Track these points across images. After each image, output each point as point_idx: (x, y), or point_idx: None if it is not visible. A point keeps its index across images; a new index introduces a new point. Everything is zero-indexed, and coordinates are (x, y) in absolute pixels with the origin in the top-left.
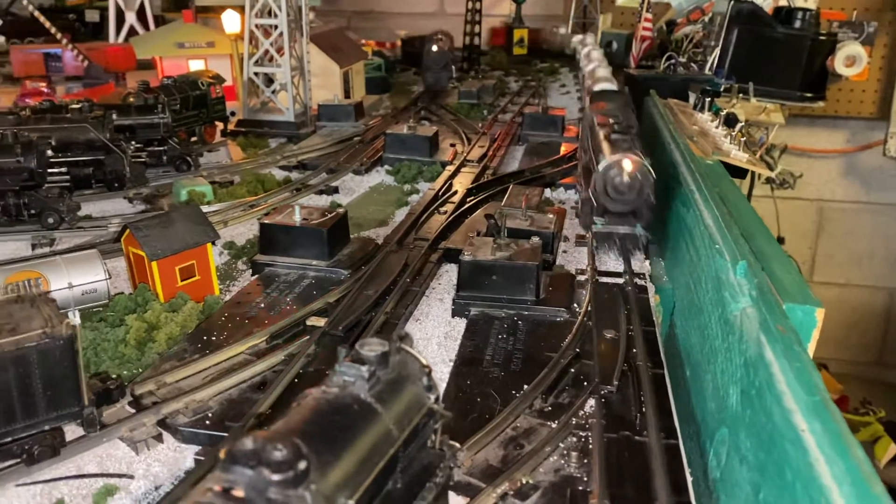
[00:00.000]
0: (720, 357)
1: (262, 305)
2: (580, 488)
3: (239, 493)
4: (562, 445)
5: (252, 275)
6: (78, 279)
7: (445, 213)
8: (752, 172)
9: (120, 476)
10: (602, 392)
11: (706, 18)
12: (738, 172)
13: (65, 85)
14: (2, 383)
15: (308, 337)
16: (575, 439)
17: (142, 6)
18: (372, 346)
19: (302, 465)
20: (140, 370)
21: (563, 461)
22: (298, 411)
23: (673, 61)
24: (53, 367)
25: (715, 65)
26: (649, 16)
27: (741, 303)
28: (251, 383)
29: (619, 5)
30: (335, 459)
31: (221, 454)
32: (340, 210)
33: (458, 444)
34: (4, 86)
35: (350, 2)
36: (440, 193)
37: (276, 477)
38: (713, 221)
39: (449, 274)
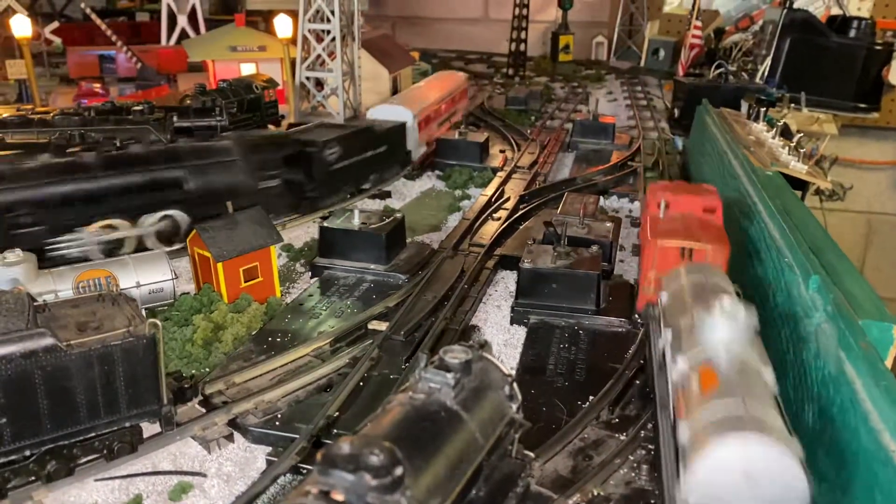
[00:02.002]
0: (792, 373)
1: (324, 308)
2: (652, 502)
3: (338, 496)
4: (631, 458)
5: (311, 277)
6: (146, 278)
7: (499, 219)
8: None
9: (193, 474)
10: None
11: (756, 27)
12: (794, 184)
13: (118, 86)
14: (87, 380)
15: (371, 341)
16: (644, 452)
17: (193, 9)
18: (455, 354)
19: (398, 470)
20: (207, 369)
21: (633, 474)
22: (387, 417)
23: (723, 70)
24: (136, 365)
25: (766, 74)
26: (699, 23)
27: (815, 318)
28: (317, 385)
29: (666, 12)
30: (426, 465)
31: (318, 457)
32: (398, 215)
33: (532, 454)
34: (61, 86)
35: (395, 7)
36: (493, 200)
37: (374, 482)
38: (780, 234)
39: (505, 281)
